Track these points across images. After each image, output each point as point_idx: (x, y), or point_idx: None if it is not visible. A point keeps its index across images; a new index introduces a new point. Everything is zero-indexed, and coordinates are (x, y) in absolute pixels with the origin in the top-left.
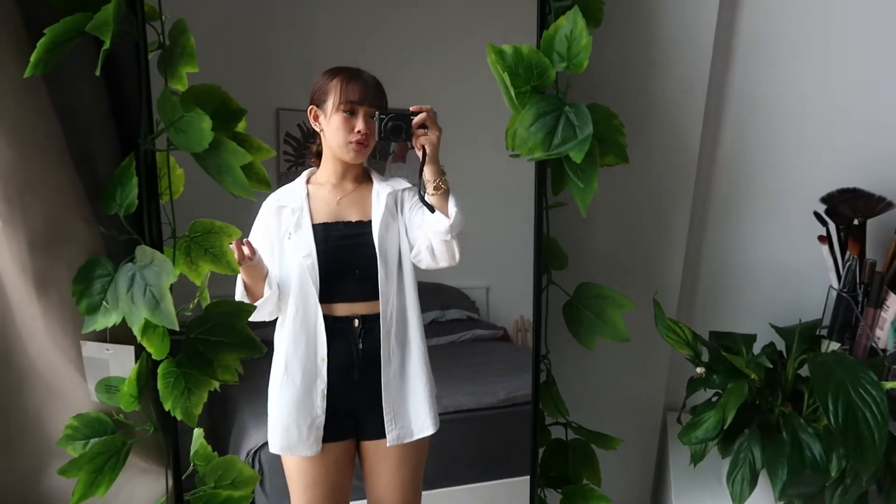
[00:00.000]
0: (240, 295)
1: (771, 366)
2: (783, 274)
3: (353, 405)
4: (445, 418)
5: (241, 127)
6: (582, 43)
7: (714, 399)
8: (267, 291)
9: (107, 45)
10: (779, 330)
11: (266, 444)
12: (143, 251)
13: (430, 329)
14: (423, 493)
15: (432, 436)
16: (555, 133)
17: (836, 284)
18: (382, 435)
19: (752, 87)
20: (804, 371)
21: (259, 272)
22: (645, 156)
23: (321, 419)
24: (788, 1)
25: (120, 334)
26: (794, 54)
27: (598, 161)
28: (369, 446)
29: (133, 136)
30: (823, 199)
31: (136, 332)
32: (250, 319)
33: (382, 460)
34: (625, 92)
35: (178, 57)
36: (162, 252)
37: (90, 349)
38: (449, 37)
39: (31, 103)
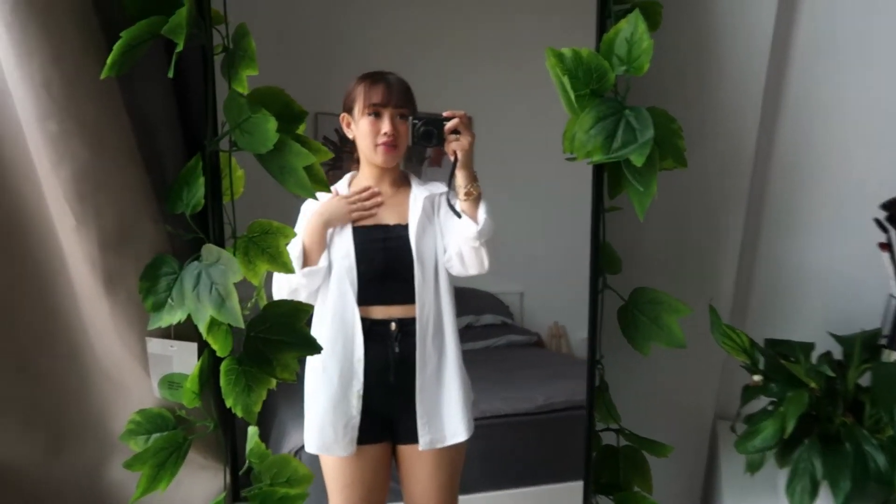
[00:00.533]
0: (296, 257)
1: (833, 374)
2: (841, 281)
3: (388, 408)
4: (483, 423)
5: (301, 129)
6: (643, 46)
7: (770, 408)
8: (323, 262)
9: (180, 48)
10: (838, 338)
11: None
12: (210, 250)
13: (464, 334)
14: (461, 497)
15: (471, 440)
16: (615, 136)
17: None
18: (417, 439)
19: (810, 90)
20: (865, 381)
21: (323, 236)
22: (700, 159)
23: (356, 420)
24: (848, 2)
25: (183, 331)
26: (853, 57)
27: (658, 165)
28: (405, 450)
29: (197, 138)
30: (884, 206)
31: (202, 329)
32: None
33: (418, 464)
34: (681, 95)
35: (240, 59)
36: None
37: (155, 346)
38: (495, 42)
39: (105, 105)
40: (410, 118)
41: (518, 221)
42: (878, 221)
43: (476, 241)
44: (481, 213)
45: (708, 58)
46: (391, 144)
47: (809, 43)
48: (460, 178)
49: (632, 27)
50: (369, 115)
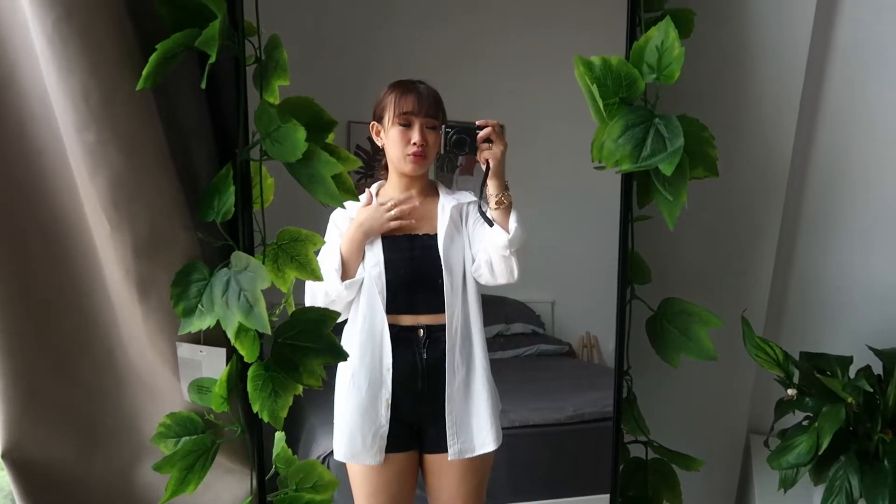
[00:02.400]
0: (335, 269)
1: (871, 389)
2: (879, 293)
3: (416, 416)
4: (512, 433)
5: (330, 138)
6: (674, 54)
7: (805, 423)
8: (360, 273)
9: (213, 59)
10: (877, 352)
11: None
12: (239, 257)
13: (494, 342)
14: None
15: (498, 450)
16: (644, 145)
17: None
18: (445, 448)
19: (849, 99)
20: None
21: (362, 247)
22: (733, 168)
23: (385, 428)
24: (887, 12)
25: (213, 337)
26: (891, 66)
27: (688, 174)
28: (432, 459)
29: (229, 146)
30: None
31: (231, 335)
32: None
33: (445, 474)
34: (715, 103)
35: (271, 70)
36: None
37: (185, 350)
38: (527, 53)
39: (140, 115)
40: (443, 126)
41: (549, 230)
42: None
43: (506, 250)
44: (512, 221)
45: (743, 65)
46: (420, 154)
47: (849, 50)
48: (492, 186)
49: (662, 35)
50: (400, 124)
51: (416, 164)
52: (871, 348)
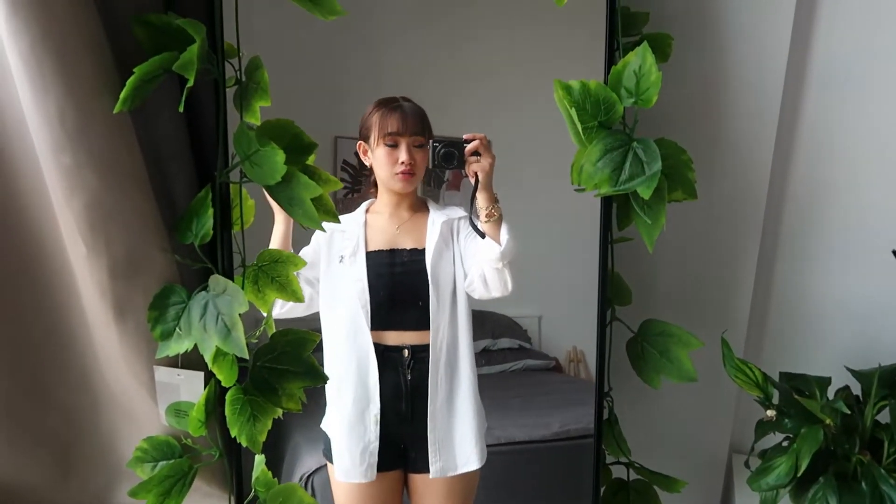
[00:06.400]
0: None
1: (848, 411)
2: (859, 314)
3: (401, 436)
4: (497, 450)
5: (310, 159)
6: (651, 78)
7: (785, 444)
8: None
9: (191, 83)
10: (855, 373)
11: (319, 468)
12: (217, 280)
13: (480, 358)
14: None
15: (484, 467)
16: (622, 169)
17: None
18: (428, 467)
19: (826, 120)
20: (883, 417)
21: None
22: (713, 191)
23: (375, 445)
24: (865, 31)
25: (191, 360)
26: (867, 88)
27: (666, 197)
28: (417, 479)
29: (208, 169)
30: None
31: (208, 359)
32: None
33: (429, 493)
34: (693, 127)
35: (252, 91)
36: (232, 280)
37: (162, 374)
38: (510, 70)
39: (117, 138)
40: (431, 141)
41: (536, 245)
42: (895, 253)
43: (499, 263)
44: (504, 234)
45: (721, 89)
46: (409, 172)
47: (824, 74)
48: (481, 199)
49: (640, 59)
50: (386, 144)
51: (406, 182)
52: (849, 369)
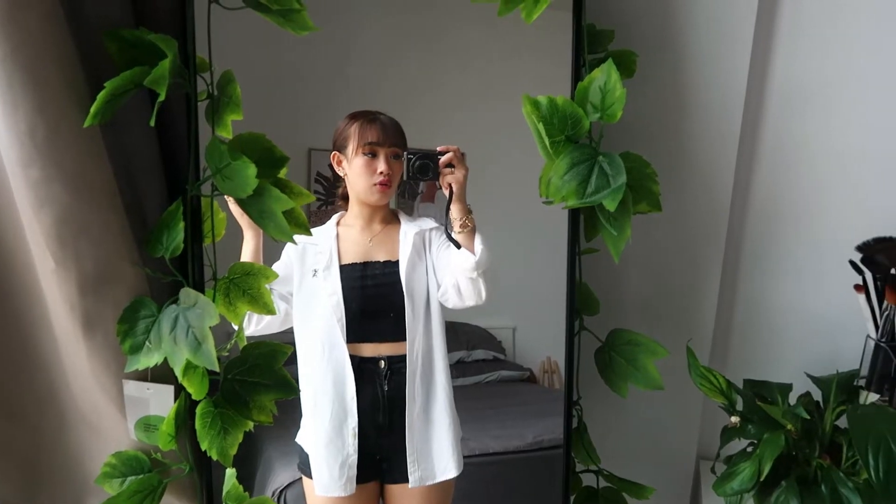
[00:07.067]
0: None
1: (808, 417)
2: (819, 322)
3: (378, 448)
4: (472, 461)
5: (282, 173)
6: (616, 94)
7: (749, 449)
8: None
9: (162, 98)
10: (815, 380)
11: (292, 482)
12: (188, 293)
13: (455, 369)
14: None
15: (459, 479)
16: (588, 181)
17: (873, 334)
18: (406, 478)
19: (785, 136)
20: (843, 422)
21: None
22: (678, 203)
23: (353, 458)
24: (821, 51)
25: (160, 374)
26: (826, 103)
27: (631, 209)
28: (393, 489)
29: (179, 182)
30: (859, 248)
31: (178, 372)
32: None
33: (406, 503)
34: (658, 141)
35: (224, 105)
36: (203, 293)
37: (131, 388)
38: (485, 85)
39: (87, 152)
40: (406, 153)
41: (510, 257)
42: (853, 263)
43: (474, 272)
44: (478, 243)
45: (685, 106)
46: (386, 183)
47: (784, 90)
48: (455, 210)
49: (605, 76)
50: (365, 154)
51: (383, 193)
52: (809, 376)
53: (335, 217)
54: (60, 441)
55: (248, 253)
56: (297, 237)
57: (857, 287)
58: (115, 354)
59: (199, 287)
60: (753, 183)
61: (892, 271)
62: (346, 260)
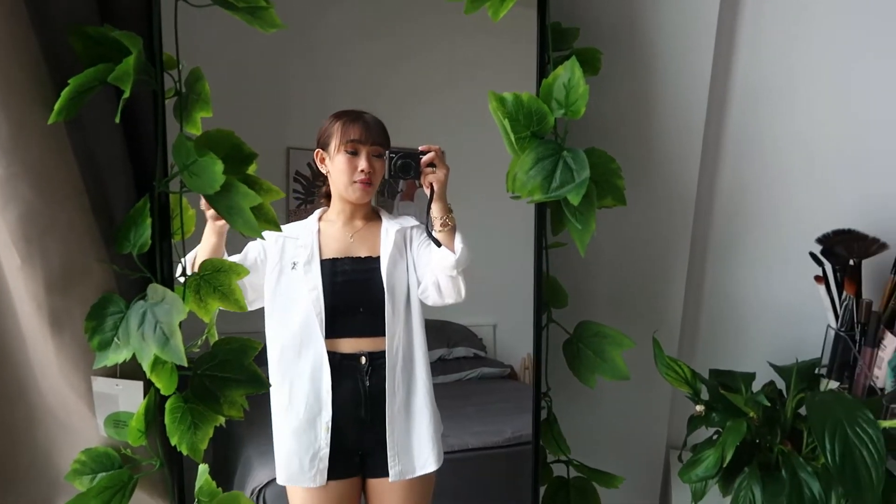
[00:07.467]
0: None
1: (769, 404)
2: (782, 313)
3: (360, 443)
4: (452, 457)
5: (251, 169)
6: (579, 91)
7: (714, 437)
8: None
9: (126, 94)
10: (777, 368)
11: (271, 481)
12: (155, 289)
13: (436, 367)
14: None
15: (438, 475)
16: (553, 176)
17: (833, 324)
18: (387, 472)
19: (748, 131)
20: (804, 410)
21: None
22: (644, 197)
23: (325, 452)
24: (782, 48)
25: (130, 370)
26: (788, 99)
27: (596, 203)
28: (374, 484)
29: (148, 179)
30: (819, 240)
31: (146, 367)
32: None
33: (387, 497)
34: (624, 136)
35: (193, 103)
36: (173, 290)
37: (100, 384)
38: (455, 83)
39: (52, 148)
40: (387, 152)
41: (491, 255)
42: (813, 255)
43: (454, 270)
44: (458, 242)
45: (650, 102)
46: (367, 182)
47: (747, 85)
48: (436, 209)
49: (569, 73)
50: (347, 152)
51: (364, 191)
52: (771, 365)
53: (317, 212)
54: (30, 438)
55: (206, 250)
56: (277, 233)
57: (817, 278)
58: (84, 351)
59: (169, 284)
60: (718, 176)
61: (851, 262)
62: (328, 255)
